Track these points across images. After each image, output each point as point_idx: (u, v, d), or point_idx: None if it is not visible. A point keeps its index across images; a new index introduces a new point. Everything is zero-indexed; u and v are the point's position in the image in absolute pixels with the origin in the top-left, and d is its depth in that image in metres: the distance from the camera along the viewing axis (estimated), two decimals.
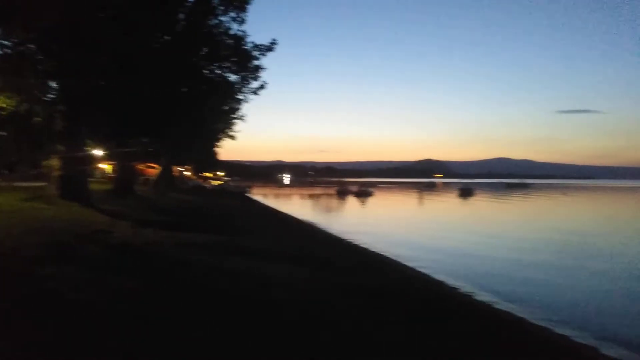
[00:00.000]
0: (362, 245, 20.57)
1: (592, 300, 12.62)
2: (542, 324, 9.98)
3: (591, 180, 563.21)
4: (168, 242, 12.81)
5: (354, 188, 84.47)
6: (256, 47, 23.45)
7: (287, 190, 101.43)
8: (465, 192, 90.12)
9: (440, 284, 13.53)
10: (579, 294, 13.24)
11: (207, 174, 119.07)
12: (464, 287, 13.28)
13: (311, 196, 77.69)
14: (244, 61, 24.10)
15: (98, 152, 34.75)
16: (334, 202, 63.06)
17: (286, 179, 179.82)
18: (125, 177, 29.76)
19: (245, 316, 6.69)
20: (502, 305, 11.43)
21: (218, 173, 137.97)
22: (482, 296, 12.28)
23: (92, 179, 28.93)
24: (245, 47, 23.34)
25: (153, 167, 51.73)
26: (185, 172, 79.72)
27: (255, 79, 25.91)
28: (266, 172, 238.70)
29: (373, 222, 35.16)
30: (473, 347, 6.79)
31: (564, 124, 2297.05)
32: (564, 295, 13.15)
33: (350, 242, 21.80)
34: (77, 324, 5.59)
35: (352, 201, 64.29)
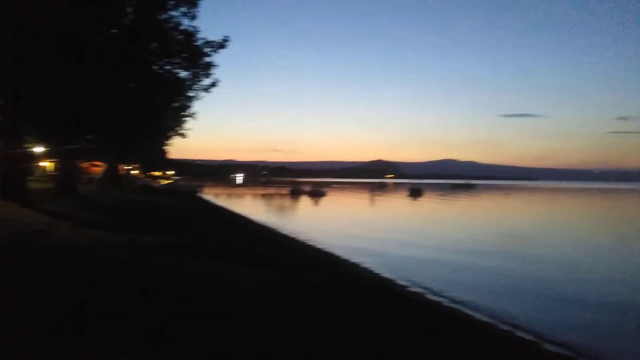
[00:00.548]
0: (314, 245, 20.71)
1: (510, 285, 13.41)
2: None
3: (532, 181, 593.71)
4: (111, 242, 12.39)
5: (307, 188, 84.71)
6: (208, 43, 23.07)
7: (239, 190, 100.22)
8: (415, 193, 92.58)
9: (384, 280, 13.90)
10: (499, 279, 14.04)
11: (156, 173, 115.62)
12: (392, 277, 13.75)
13: (264, 196, 77.24)
14: (195, 57, 23.65)
15: (38, 149, 32.95)
16: (287, 202, 63.01)
17: (239, 178, 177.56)
18: (67, 176, 28.38)
19: (193, 317, 6.59)
20: (414, 288, 11.90)
21: (167, 172, 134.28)
22: (411, 287, 12.76)
23: (32, 178, 27.40)
24: (197, 43, 22.91)
25: (98, 166, 49.68)
26: (132, 171, 77.02)
27: (207, 76, 25.50)
28: (218, 172, 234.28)
29: (325, 222, 35.46)
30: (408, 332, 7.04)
31: (507, 127, 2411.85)
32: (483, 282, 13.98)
33: (302, 241, 21.90)
34: (5, 330, 5.30)
35: (305, 201, 64.47)
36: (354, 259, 17.33)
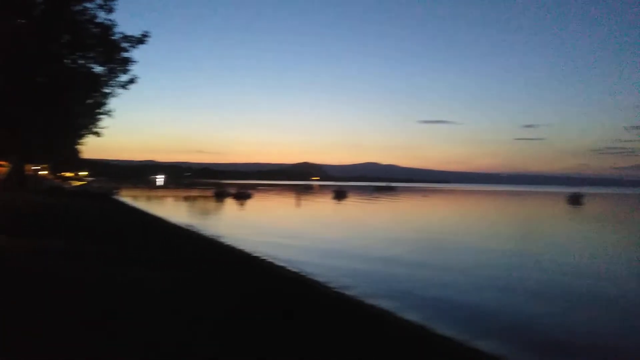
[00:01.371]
0: (236, 247, 20.65)
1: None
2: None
3: (447, 184, 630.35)
4: (11, 248, 11.62)
5: (233, 190, 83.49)
6: (125, 38, 22.18)
7: (160, 192, 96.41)
8: (339, 195, 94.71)
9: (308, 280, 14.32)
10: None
11: (68, 174, 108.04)
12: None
13: (187, 198, 75.02)
14: (111, 52, 22.62)
15: None
16: (211, 204, 61.75)
17: (159, 180, 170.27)
18: None
19: (103, 325, 6.49)
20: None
21: (80, 173, 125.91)
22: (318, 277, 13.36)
23: None
24: (113, 38, 21.94)
25: (1, 166, 45.62)
26: (41, 172, 71.38)
27: (125, 72, 24.44)
28: (137, 173, 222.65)
29: (249, 224, 35.35)
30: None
31: (425, 133, 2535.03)
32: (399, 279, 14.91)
33: (223, 243, 21.75)
34: None
35: (230, 203, 63.57)
36: (270, 256, 17.76)
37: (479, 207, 71.05)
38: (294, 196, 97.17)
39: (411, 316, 10.51)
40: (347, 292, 12.47)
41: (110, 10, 21.24)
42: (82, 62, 23.05)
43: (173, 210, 49.17)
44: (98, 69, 24.05)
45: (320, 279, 14.29)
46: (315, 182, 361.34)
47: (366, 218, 45.55)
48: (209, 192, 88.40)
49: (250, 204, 64.73)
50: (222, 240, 22.40)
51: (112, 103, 43.99)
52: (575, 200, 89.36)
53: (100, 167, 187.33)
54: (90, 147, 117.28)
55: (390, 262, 18.37)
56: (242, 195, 77.96)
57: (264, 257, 17.70)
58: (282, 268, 15.85)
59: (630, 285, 15.70)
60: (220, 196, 78.80)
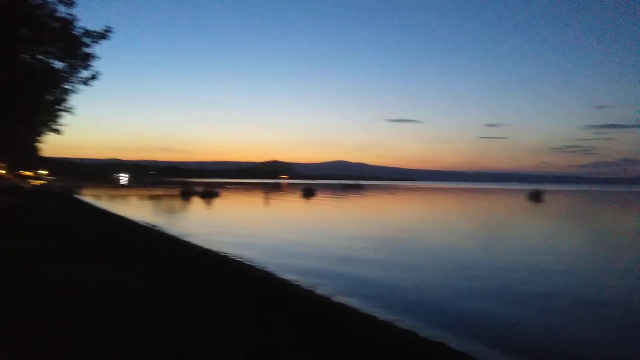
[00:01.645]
0: (200, 246, 20.55)
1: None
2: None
3: (415, 182, 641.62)
4: None
5: (199, 189, 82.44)
6: (87, 33, 21.60)
7: (124, 191, 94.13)
8: (308, 193, 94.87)
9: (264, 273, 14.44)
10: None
11: (27, 173, 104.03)
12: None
13: (152, 197, 73.59)
14: (72, 48, 21.97)
15: None
16: (177, 203, 60.84)
17: (123, 179, 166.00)
18: None
19: (67, 324, 6.44)
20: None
21: (40, 172, 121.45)
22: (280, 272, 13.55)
23: None
24: (74, 33, 21.33)
25: None
26: None
27: (86, 68, 23.72)
28: (100, 171, 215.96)
29: (214, 223, 35.11)
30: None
31: (393, 132, 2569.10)
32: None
33: (186, 241, 21.60)
34: None
35: (196, 202, 62.78)
36: (237, 255, 17.80)
37: (444, 204, 72.67)
38: (263, 194, 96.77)
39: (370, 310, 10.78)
40: (316, 291, 12.73)
41: (70, 4, 20.62)
42: (41, 57, 22.29)
43: (138, 209, 48.21)
44: (58, 64, 23.30)
45: (288, 278, 14.46)
46: (284, 181, 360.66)
47: (333, 216, 45.92)
48: (175, 191, 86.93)
49: (218, 202, 64.12)
50: (187, 239, 22.21)
51: (73, 100, 42.57)
52: (535, 197, 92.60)
53: (61, 166, 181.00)
54: (51, 145, 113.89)
55: (348, 260, 18.56)
56: (209, 194, 77.06)
57: (232, 257, 17.76)
58: (249, 267, 15.92)
59: (581, 277, 16.52)
60: (186, 195, 77.66)
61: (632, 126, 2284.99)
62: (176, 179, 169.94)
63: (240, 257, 17.83)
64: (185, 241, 21.42)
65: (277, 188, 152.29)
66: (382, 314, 10.72)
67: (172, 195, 78.23)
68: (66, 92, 32.02)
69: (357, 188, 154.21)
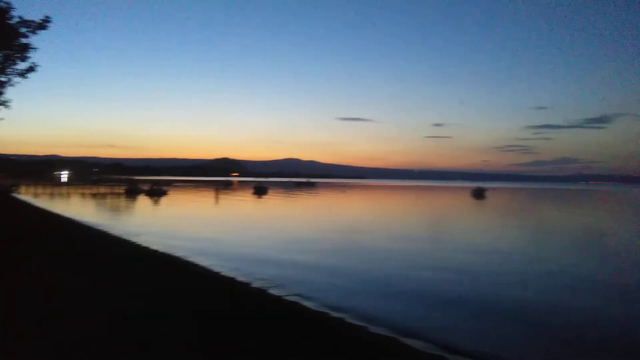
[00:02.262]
0: (148, 247, 20.11)
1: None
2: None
3: (365, 179, 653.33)
4: None
5: (146, 187, 79.94)
6: (24, 22, 20.59)
7: (65, 189, 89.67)
8: (259, 190, 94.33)
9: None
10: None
11: None
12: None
13: (95, 195, 70.66)
14: (8, 38, 20.85)
15: None
16: (121, 201, 58.77)
17: (64, 176, 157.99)
18: None
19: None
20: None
21: None
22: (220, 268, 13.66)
23: None
24: (10, 22, 20.25)
25: None
26: None
27: (23, 59, 22.58)
28: (39, 168, 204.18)
29: (160, 222, 34.32)
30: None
31: (344, 130, 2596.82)
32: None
33: (132, 242, 21.08)
34: None
35: (142, 200, 60.90)
36: (184, 255, 17.57)
37: (393, 202, 74.49)
38: (213, 192, 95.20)
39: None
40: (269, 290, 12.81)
41: None
42: None
43: (80, 208, 46.19)
44: None
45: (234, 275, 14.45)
46: (235, 178, 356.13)
47: (283, 214, 46.00)
48: (120, 189, 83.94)
49: (165, 201, 62.51)
50: (131, 239, 21.61)
51: (9, 93, 40.23)
52: (478, 194, 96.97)
53: None
54: None
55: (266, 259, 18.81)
56: (156, 192, 74.94)
57: (178, 256, 17.53)
58: (195, 265, 15.75)
59: (514, 265, 17.61)
60: (132, 193, 75.20)
61: (568, 127, 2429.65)
62: (121, 177, 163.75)
63: (197, 261, 17.53)
64: (131, 242, 20.83)
65: (227, 186, 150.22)
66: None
67: (117, 194, 75.47)
68: (1, 84, 30.27)
69: (309, 186, 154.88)
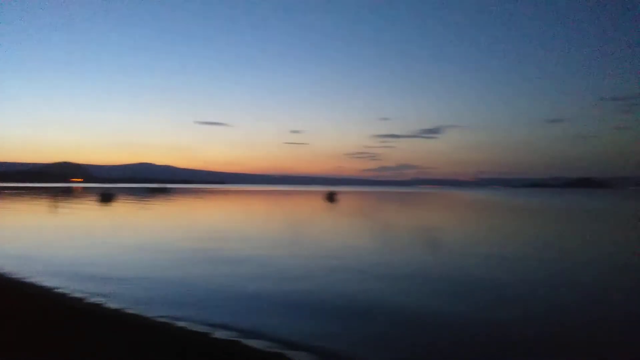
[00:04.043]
0: None
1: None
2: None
3: (224, 185, 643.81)
4: None
5: None
6: None
7: None
8: (107, 197, 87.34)
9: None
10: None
11: None
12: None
13: None
14: None
15: None
16: None
17: None
18: None
19: None
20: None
21: None
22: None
23: None
24: None
25: None
26: None
27: None
28: None
29: None
30: None
31: (202, 134, 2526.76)
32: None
33: None
34: None
35: None
36: None
37: (250, 207, 75.06)
38: (49, 201, 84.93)
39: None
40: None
41: None
42: None
43: None
44: None
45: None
46: (78, 185, 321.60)
47: (126, 223, 43.47)
48: None
49: None
50: None
51: None
52: (330, 197, 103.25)
53: None
54: None
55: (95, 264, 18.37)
56: None
57: None
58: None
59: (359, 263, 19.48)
60: None
61: (407, 136, 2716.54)
62: None
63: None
64: None
65: (68, 193, 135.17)
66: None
67: None
68: None
69: (163, 192, 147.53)
